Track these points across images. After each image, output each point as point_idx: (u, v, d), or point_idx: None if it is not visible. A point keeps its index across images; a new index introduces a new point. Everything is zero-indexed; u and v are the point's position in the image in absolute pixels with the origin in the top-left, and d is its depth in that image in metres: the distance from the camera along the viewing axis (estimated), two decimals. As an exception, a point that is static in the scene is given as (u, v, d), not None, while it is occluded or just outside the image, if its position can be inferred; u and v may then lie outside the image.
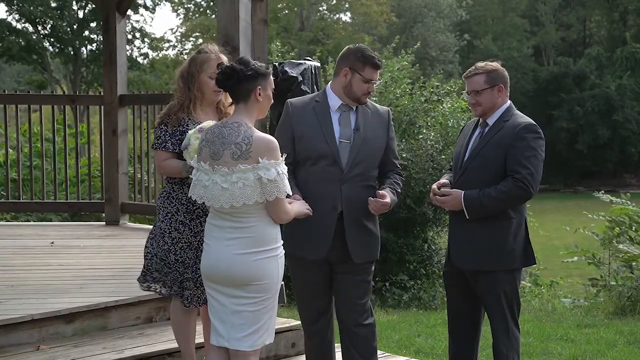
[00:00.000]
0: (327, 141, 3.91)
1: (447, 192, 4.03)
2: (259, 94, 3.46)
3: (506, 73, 4.14)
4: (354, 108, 4.01)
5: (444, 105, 11.52)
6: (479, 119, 4.17)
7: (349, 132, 3.96)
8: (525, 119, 4.06)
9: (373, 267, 4.11)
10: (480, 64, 4.13)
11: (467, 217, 3.97)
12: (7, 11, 29.19)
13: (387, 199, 3.89)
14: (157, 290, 4.05)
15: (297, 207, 3.60)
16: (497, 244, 3.98)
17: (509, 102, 4.13)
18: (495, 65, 4.12)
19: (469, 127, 4.26)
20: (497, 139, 3.99)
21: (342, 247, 3.94)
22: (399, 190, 4.07)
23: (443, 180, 4.18)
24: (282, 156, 3.38)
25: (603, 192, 9.75)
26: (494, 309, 4.05)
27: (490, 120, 4.08)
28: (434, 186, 4.13)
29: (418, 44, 14.45)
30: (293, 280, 4.14)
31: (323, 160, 3.92)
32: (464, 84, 4.20)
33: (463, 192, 3.98)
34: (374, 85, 3.97)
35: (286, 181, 3.38)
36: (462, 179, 4.07)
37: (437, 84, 12.17)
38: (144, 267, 4.05)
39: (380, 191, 3.93)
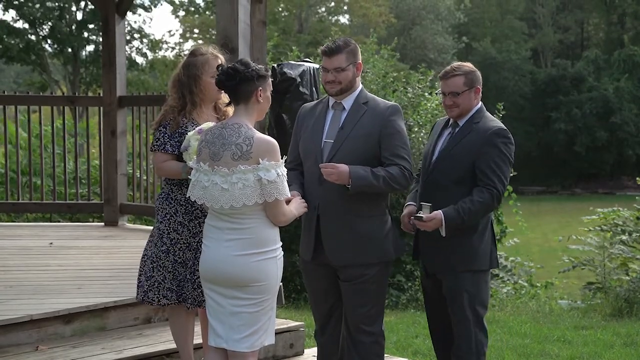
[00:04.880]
0: (314, 141, 3.91)
1: (430, 218, 3.84)
2: (260, 95, 3.48)
3: (479, 74, 4.08)
4: (346, 106, 3.92)
5: (432, 102, 11.49)
6: (449, 118, 4.12)
7: (334, 132, 3.90)
8: (495, 122, 4.02)
9: (377, 274, 3.88)
10: (456, 64, 4.07)
11: (443, 235, 3.86)
12: (3, 10, 29.07)
13: (339, 166, 3.68)
14: (155, 301, 3.99)
15: (295, 206, 3.61)
16: (461, 245, 3.93)
17: (480, 103, 4.08)
18: (471, 66, 4.06)
19: (439, 126, 4.21)
20: (467, 141, 3.94)
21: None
22: (382, 174, 3.74)
23: (410, 208, 4.08)
24: (282, 158, 3.40)
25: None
26: (455, 311, 3.99)
27: (461, 121, 4.03)
28: (404, 216, 4.07)
29: (394, 43, 14.42)
30: (304, 281, 4.19)
31: (309, 160, 3.92)
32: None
33: (442, 214, 3.83)
34: (337, 74, 3.84)
35: (285, 183, 3.39)
36: (430, 179, 4.03)
37: (418, 76, 12.17)
38: (140, 278, 4.03)
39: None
